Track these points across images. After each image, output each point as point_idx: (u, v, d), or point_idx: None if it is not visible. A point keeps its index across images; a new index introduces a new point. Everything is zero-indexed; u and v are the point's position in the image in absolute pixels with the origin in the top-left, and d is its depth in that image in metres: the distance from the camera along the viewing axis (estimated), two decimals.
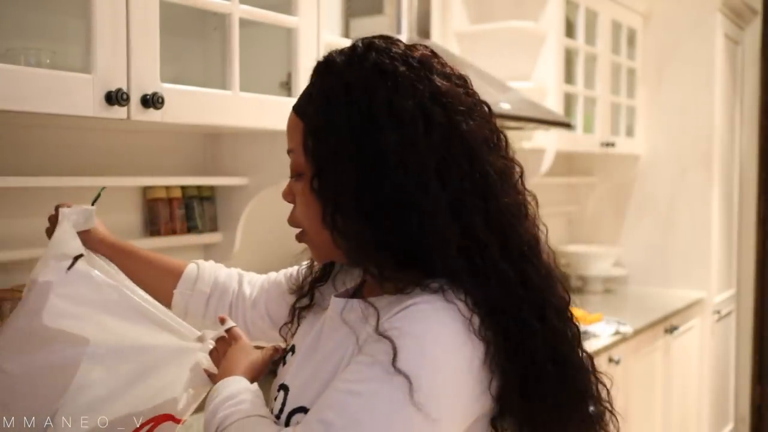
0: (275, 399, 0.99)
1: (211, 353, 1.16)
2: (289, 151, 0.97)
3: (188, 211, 1.89)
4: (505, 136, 0.95)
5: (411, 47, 0.93)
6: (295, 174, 0.96)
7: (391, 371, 0.80)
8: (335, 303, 1.00)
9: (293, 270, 1.22)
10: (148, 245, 1.79)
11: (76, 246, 1.17)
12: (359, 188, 0.87)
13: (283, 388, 0.98)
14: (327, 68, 0.93)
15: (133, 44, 1.35)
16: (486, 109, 0.94)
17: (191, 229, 1.89)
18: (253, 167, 1.90)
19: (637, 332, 2.79)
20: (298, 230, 1.00)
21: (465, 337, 0.83)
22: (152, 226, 1.82)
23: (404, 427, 0.79)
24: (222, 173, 1.95)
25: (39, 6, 1.51)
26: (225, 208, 1.96)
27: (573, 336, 0.93)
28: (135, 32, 1.35)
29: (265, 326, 1.25)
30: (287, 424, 0.92)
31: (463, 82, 0.94)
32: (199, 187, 1.91)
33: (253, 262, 2.08)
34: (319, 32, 1.78)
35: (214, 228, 1.95)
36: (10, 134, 1.55)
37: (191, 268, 1.30)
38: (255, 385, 1.01)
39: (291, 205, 1.02)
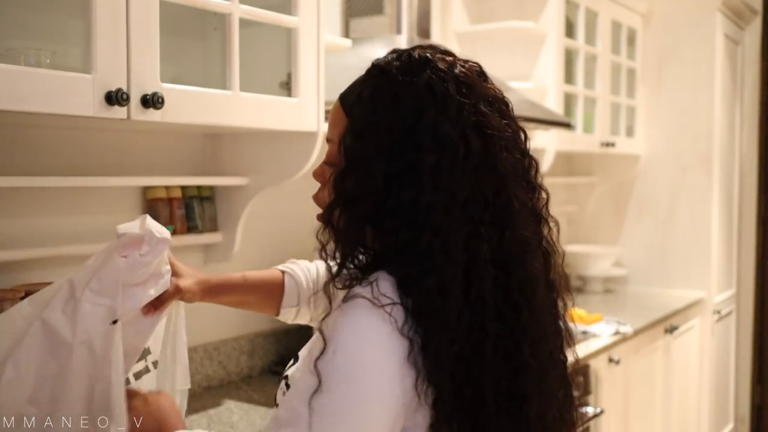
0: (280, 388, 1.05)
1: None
2: (327, 139, 1.02)
3: (188, 211, 1.89)
4: (536, 162, 0.99)
5: (463, 64, 0.96)
6: (329, 162, 0.99)
7: (312, 369, 0.86)
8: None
9: None
10: None
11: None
12: (379, 197, 0.90)
13: (285, 378, 1.04)
14: (381, 73, 0.95)
15: (133, 44, 1.35)
16: (522, 136, 0.97)
17: (191, 229, 1.89)
18: (253, 167, 1.90)
19: (637, 332, 2.79)
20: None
21: (386, 336, 0.86)
22: None
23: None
24: (222, 173, 1.95)
25: (39, 6, 1.51)
26: (225, 208, 1.96)
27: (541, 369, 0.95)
28: (135, 32, 1.35)
29: None
30: None
31: (504, 107, 0.97)
32: (199, 187, 1.91)
33: (253, 262, 2.08)
34: (319, 32, 1.78)
35: (214, 228, 1.95)
36: (10, 134, 1.55)
37: (289, 284, 1.30)
38: None
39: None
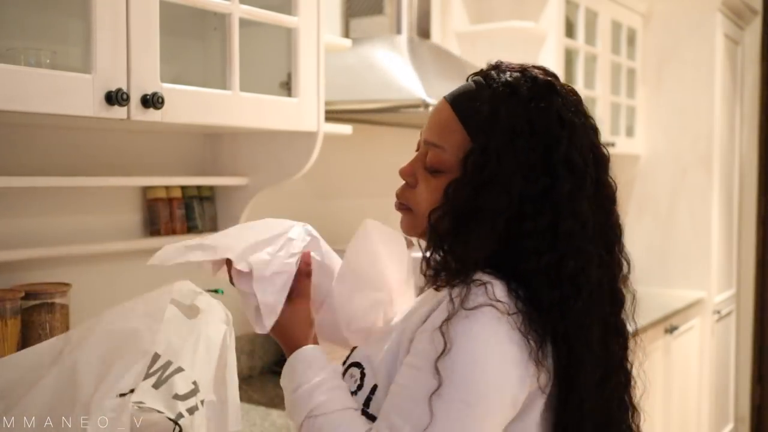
0: (347, 373, 1.04)
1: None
2: (432, 144, 1.00)
3: (188, 211, 1.89)
4: (614, 181, 1.04)
5: (570, 89, 1.02)
6: (433, 169, 0.99)
7: (432, 370, 0.88)
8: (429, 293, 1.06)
9: None
10: (148, 245, 1.79)
11: None
12: (513, 217, 0.94)
13: (357, 365, 1.04)
14: (513, 94, 0.97)
15: (133, 44, 1.35)
16: (608, 156, 1.03)
17: (191, 229, 1.89)
18: (253, 167, 1.90)
19: (637, 332, 2.79)
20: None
21: (509, 345, 0.90)
22: (152, 226, 1.82)
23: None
24: (222, 173, 1.95)
25: (39, 6, 1.51)
26: (225, 208, 1.96)
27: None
28: (135, 32, 1.35)
29: None
30: (368, 401, 0.99)
31: (595, 124, 1.03)
32: (199, 187, 1.91)
33: None
34: (319, 32, 1.78)
35: (214, 228, 1.95)
36: (10, 134, 1.55)
37: None
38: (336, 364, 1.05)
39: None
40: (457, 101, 1.01)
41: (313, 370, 1.00)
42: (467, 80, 1.06)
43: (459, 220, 0.95)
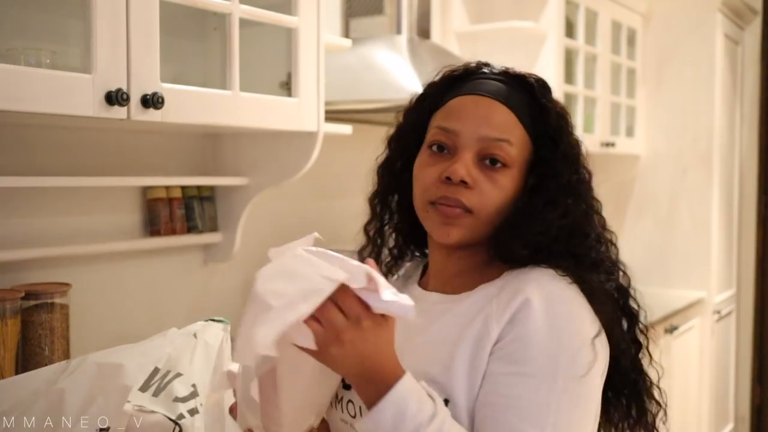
0: None
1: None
2: (497, 140, 1.00)
3: (188, 211, 1.89)
4: None
5: None
6: (503, 163, 1.00)
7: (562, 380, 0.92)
8: (433, 296, 1.05)
9: None
10: (148, 245, 1.79)
11: None
12: (580, 201, 1.08)
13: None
14: (550, 93, 1.11)
15: (133, 44, 1.35)
16: None
17: (191, 229, 1.89)
18: (253, 167, 1.90)
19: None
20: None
21: (592, 317, 0.97)
22: (152, 226, 1.82)
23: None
24: (222, 173, 1.95)
25: (39, 6, 1.51)
26: (225, 208, 1.96)
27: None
28: (135, 32, 1.35)
29: None
30: None
31: None
32: (199, 187, 1.91)
33: (253, 262, 2.08)
34: (319, 32, 1.78)
35: (214, 228, 1.95)
36: (11, 134, 1.55)
37: None
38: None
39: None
40: (510, 100, 1.04)
41: (426, 405, 0.85)
42: (457, 77, 1.11)
43: (565, 209, 1.03)
